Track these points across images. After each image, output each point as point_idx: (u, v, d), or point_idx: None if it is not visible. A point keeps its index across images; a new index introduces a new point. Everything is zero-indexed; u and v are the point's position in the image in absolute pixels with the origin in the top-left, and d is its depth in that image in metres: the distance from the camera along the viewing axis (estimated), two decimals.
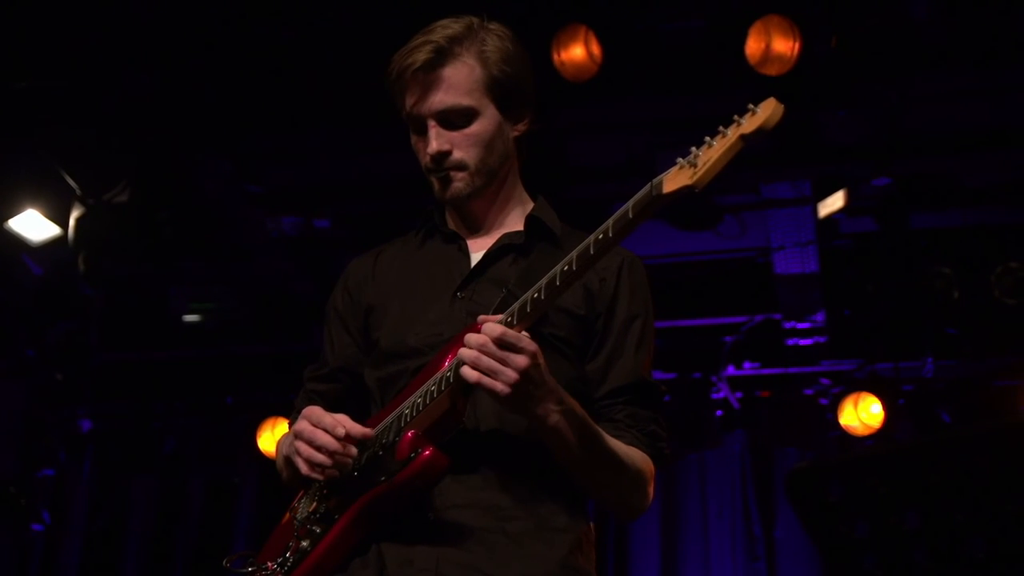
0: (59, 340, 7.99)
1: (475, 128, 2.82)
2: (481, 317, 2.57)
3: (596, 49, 5.63)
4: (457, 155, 2.81)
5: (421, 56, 2.77)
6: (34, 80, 6.06)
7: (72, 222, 6.42)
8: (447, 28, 2.81)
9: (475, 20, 2.86)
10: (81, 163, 6.38)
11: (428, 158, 2.81)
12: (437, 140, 2.79)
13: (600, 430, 2.68)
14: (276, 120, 6.35)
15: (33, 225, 6.50)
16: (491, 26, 2.87)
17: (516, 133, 2.90)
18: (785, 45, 5.45)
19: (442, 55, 2.78)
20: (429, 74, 2.78)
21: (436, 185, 2.85)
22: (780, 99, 2.31)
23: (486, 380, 2.48)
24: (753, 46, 5.46)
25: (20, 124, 6.26)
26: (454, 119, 2.80)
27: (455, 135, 2.81)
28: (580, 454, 2.64)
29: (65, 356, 8.03)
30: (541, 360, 2.52)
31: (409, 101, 2.82)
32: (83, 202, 6.38)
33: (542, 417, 2.56)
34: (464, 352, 2.50)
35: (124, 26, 5.86)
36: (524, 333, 2.52)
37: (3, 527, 8.49)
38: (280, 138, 6.57)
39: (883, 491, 1.89)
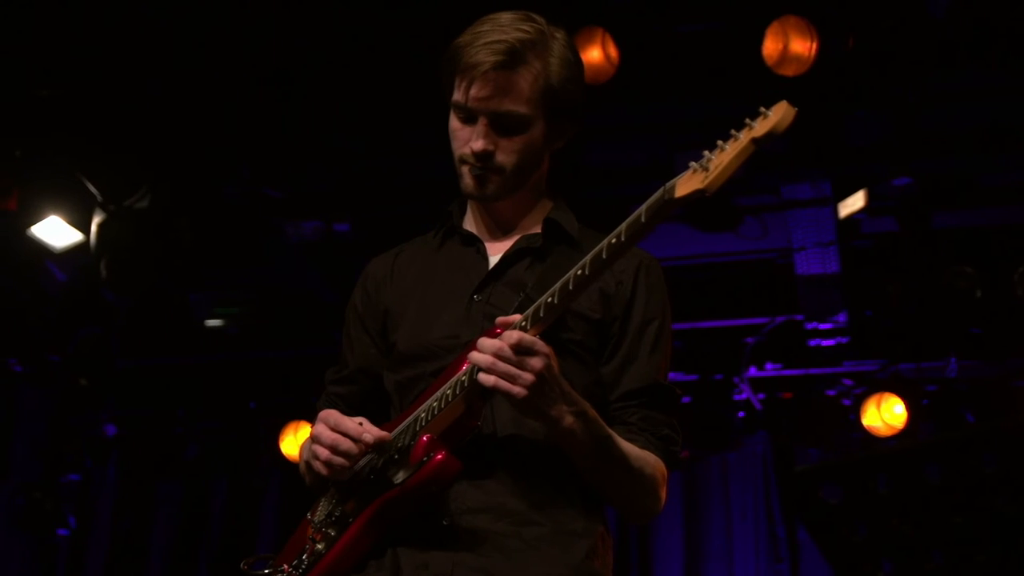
0: (83, 346, 8.03)
1: (524, 137, 2.81)
2: (499, 320, 2.58)
3: (613, 51, 5.63)
4: (500, 158, 2.80)
5: (493, 57, 2.74)
6: (55, 88, 6.10)
7: (94, 228, 6.45)
8: (520, 29, 2.78)
9: (544, 24, 2.83)
10: (102, 169, 6.42)
11: (469, 151, 2.80)
12: (485, 140, 2.77)
13: (613, 433, 2.68)
14: (295, 124, 6.36)
15: (56, 231, 6.54)
16: (556, 33, 2.84)
17: (556, 146, 2.92)
18: (803, 45, 5.43)
19: (514, 58, 2.75)
20: (497, 73, 2.75)
21: (467, 178, 2.83)
22: (798, 100, 2.31)
23: (503, 384, 2.49)
24: (770, 47, 5.44)
25: (42, 131, 6.30)
26: (507, 123, 2.78)
27: (503, 139, 2.79)
28: (593, 456, 2.65)
29: (89, 362, 8.07)
30: (555, 362, 2.52)
31: (468, 92, 2.78)
32: (104, 208, 6.41)
33: (556, 419, 2.57)
34: (478, 357, 2.51)
35: (143, 33, 5.89)
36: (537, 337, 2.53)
37: (29, 532, 8.54)
38: (299, 142, 6.58)
39: (884, 493, 1.89)
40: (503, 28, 2.78)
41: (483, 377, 2.51)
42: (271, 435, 8.03)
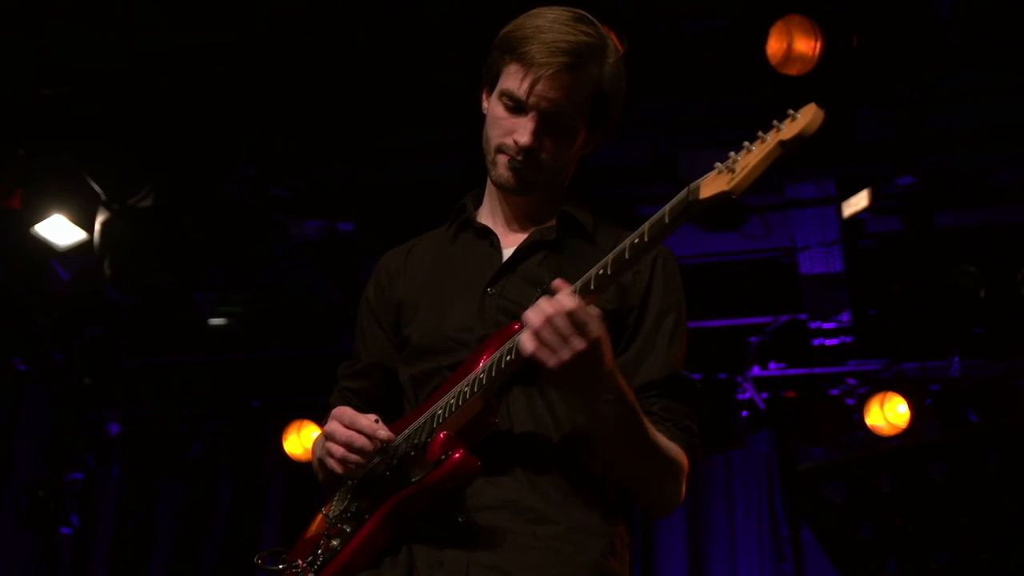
0: (87, 345, 8.04)
1: (568, 140, 2.82)
2: (556, 282, 2.51)
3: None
4: (543, 156, 2.80)
5: (562, 58, 2.73)
6: (59, 87, 6.10)
7: (97, 227, 6.45)
8: (584, 32, 2.77)
9: (600, 28, 2.83)
10: (106, 168, 6.42)
11: (513, 142, 2.79)
12: (533, 136, 2.77)
13: (646, 420, 2.64)
14: (300, 124, 6.37)
15: (60, 230, 6.54)
16: (608, 40, 2.84)
17: (587, 150, 2.92)
18: (807, 45, 5.42)
19: (579, 61, 2.74)
20: (562, 75, 2.74)
21: (503, 168, 2.83)
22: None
23: (542, 353, 2.43)
24: (774, 46, 5.43)
25: (46, 130, 6.30)
26: (559, 124, 2.79)
27: (549, 138, 2.79)
28: (622, 441, 2.62)
29: (93, 361, 8.08)
30: (605, 349, 2.47)
31: (530, 87, 2.76)
32: (108, 207, 6.42)
33: (589, 400, 2.54)
34: (532, 318, 2.45)
35: (148, 31, 5.89)
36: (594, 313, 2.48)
37: (32, 531, 8.55)
38: (304, 142, 6.59)
39: (888, 492, 1.88)
40: (567, 28, 2.77)
41: (525, 340, 2.45)
42: (275, 434, 8.04)
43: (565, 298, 2.44)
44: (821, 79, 5.46)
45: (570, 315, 2.43)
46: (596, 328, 2.45)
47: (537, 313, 2.44)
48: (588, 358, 2.45)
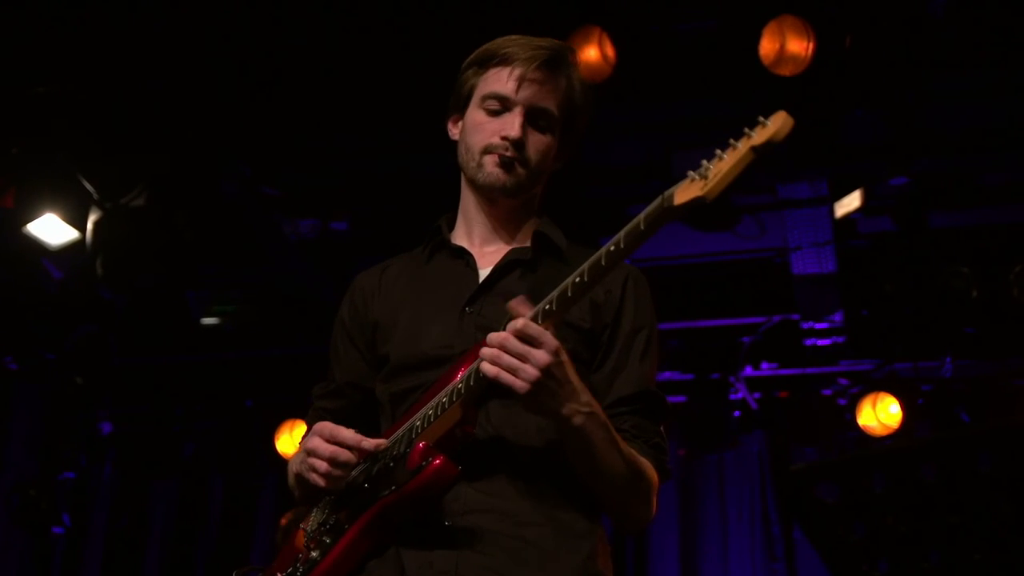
0: (79, 344, 8.02)
1: (548, 138, 2.90)
2: (512, 303, 2.58)
3: (610, 51, 5.63)
4: (529, 151, 2.88)
5: (543, 54, 2.86)
6: (52, 85, 6.09)
7: (90, 226, 6.44)
8: (553, 42, 2.91)
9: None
10: (98, 167, 6.41)
11: (499, 139, 2.86)
12: (522, 128, 2.85)
13: (618, 436, 2.68)
14: (293, 123, 6.36)
15: (52, 229, 6.53)
16: (575, 60, 2.98)
17: (557, 166, 2.98)
18: (799, 45, 5.44)
19: (556, 60, 2.89)
20: (543, 71, 2.86)
21: (492, 167, 2.88)
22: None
23: (505, 376, 2.49)
24: (767, 46, 5.45)
25: (38, 129, 6.29)
26: (541, 121, 2.88)
27: (533, 134, 2.88)
28: (598, 457, 2.65)
29: (85, 360, 8.06)
30: (564, 357, 2.52)
31: (515, 83, 2.86)
32: (101, 206, 6.41)
33: (567, 418, 2.57)
34: (485, 350, 2.51)
35: (141, 30, 5.89)
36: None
37: (24, 530, 8.53)
38: (297, 141, 6.58)
39: (880, 492, 1.89)
40: (538, 39, 2.90)
41: (485, 367, 2.51)
42: (268, 433, 8.03)
43: (512, 322, 2.52)
44: (814, 80, 5.48)
45: (520, 333, 2.49)
46: (552, 338, 2.50)
47: (490, 344, 2.51)
48: (557, 370, 2.50)
